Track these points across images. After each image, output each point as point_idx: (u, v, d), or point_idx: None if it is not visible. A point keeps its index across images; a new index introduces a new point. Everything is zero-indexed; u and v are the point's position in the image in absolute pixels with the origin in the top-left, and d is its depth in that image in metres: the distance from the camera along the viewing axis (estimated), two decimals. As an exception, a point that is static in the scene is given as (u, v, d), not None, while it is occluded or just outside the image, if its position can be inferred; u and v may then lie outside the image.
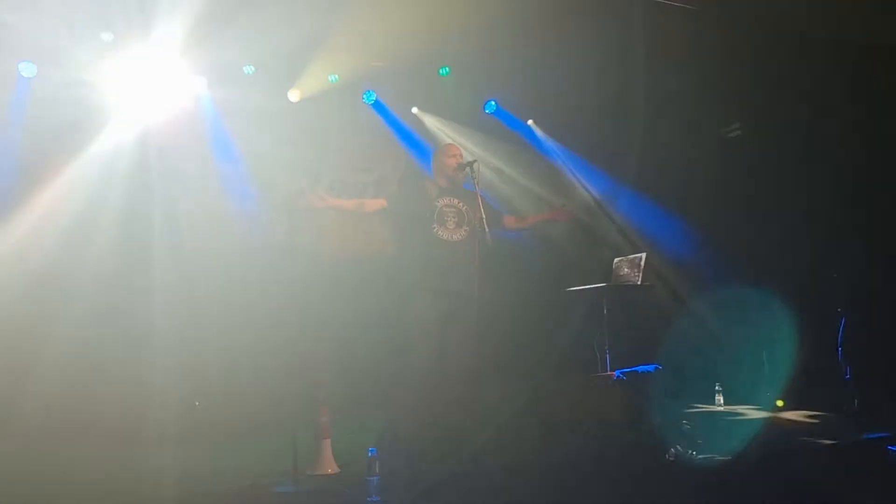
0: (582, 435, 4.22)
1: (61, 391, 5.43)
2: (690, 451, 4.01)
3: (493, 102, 7.31)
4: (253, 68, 6.35)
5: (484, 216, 4.46)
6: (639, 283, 5.69)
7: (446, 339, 4.58)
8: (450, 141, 6.36)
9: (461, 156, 4.78)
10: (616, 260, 5.97)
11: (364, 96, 6.96)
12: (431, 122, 7.16)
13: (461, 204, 4.72)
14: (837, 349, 5.40)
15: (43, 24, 5.28)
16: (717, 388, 6.20)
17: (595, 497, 3.64)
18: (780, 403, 5.34)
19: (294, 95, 6.66)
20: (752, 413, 5.61)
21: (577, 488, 3.77)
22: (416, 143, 7.15)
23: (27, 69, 5.72)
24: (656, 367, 4.67)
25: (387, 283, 6.46)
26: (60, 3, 5.21)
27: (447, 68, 6.89)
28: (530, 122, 7.46)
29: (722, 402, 6.14)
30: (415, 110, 7.17)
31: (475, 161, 4.65)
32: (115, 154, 5.91)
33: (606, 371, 5.45)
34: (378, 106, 7.07)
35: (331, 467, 4.26)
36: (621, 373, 4.59)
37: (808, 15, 5.54)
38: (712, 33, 5.93)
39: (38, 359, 5.42)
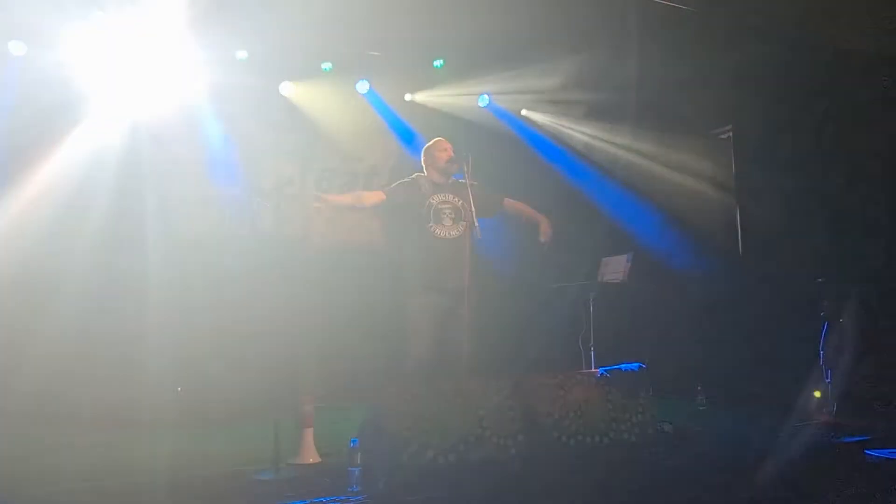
0: (564, 430, 4.24)
1: (48, 377, 5.41)
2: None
3: (485, 96, 7.30)
4: (246, 54, 6.31)
5: (474, 210, 4.45)
6: (625, 281, 5.71)
7: (441, 335, 4.58)
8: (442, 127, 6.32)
9: (451, 150, 4.75)
10: (603, 258, 5.98)
11: (357, 85, 6.94)
12: (425, 99, 7.12)
13: (456, 199, 4.69)
14: (819, 353, 5.44)
15: (33, 4, 5.22)
16: (699, 388, 6.24)
17: (575, 492, 3.67)
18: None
19: (286, 90, 6.64)
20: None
21: (558, 483, 3.79)
22: (408, 134, 7.14)
23: (17, 47, 5.66)
24: (640, 366, 4.70)
25: (378, 276, 6.45)
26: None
27: (442, 60, 6.87)
28: (524, 111, 7.45)
29: (705, 401, 6.18)
30: (408, 97, 7.15)
31: (468, 155, 4.64)
32: (105, 137, 5.87)
33: (591, 368, 5.47)
34: (371, 95, 7.05)
35: (312, 457, 4.26)
36: (605, 370, 4.61)
37: (803, 19, 5.57)
38: (707, 33, 5.95)
39: (25, 345, 5.40)
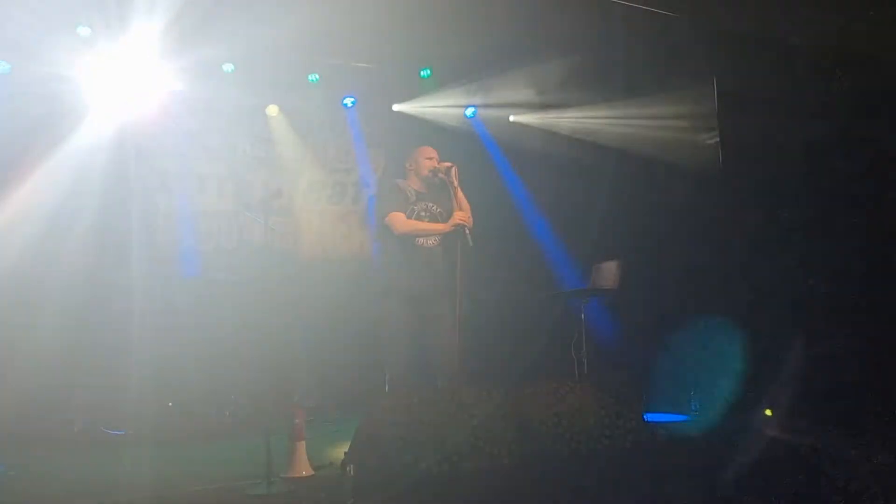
0: (558, 439, 4.22)
1: (35, 390, 5.34)
2: None
3: (473, 108, 7.31)
4: (232, 66, 6.30)
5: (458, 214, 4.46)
6: (616, 288, 5.72)
7: (424, 343, 4.56)
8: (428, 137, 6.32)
9: (437, 158, 4.74)
10: (594, 265, 5.98)
11: (344, 98, 6.93)
12: (413, 109, 7.12)
13: (436, 207, 4.68)
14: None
15: (18, 18, 5.19)
16: (692, 394, 6.23)
17: (570, 500, 3.65)
18: (768, 412, 5.38)
19: (272, 111, 6.65)
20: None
21: (552, 491, 3.78)
22: (396, 144, 7.13)
23: (2, 65, 5.63)
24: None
25: (364, 285, 6.43)
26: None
27: (429, 70, 6.89)
28: (511, 117, 7.43)
29: (698, 409, 6.16)
30: (396, 107, 7.14)
31: (452, 165, 4.63)
32: (91, 151, 5.83)
33: (584, 374, 5.48)
34: (358, 106, 7.04)
35: (305, 470, 4.22)
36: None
37: (788, 22, 5.61)
38: (692, 40, 5.99)
39: (10, 359, 5.33)
